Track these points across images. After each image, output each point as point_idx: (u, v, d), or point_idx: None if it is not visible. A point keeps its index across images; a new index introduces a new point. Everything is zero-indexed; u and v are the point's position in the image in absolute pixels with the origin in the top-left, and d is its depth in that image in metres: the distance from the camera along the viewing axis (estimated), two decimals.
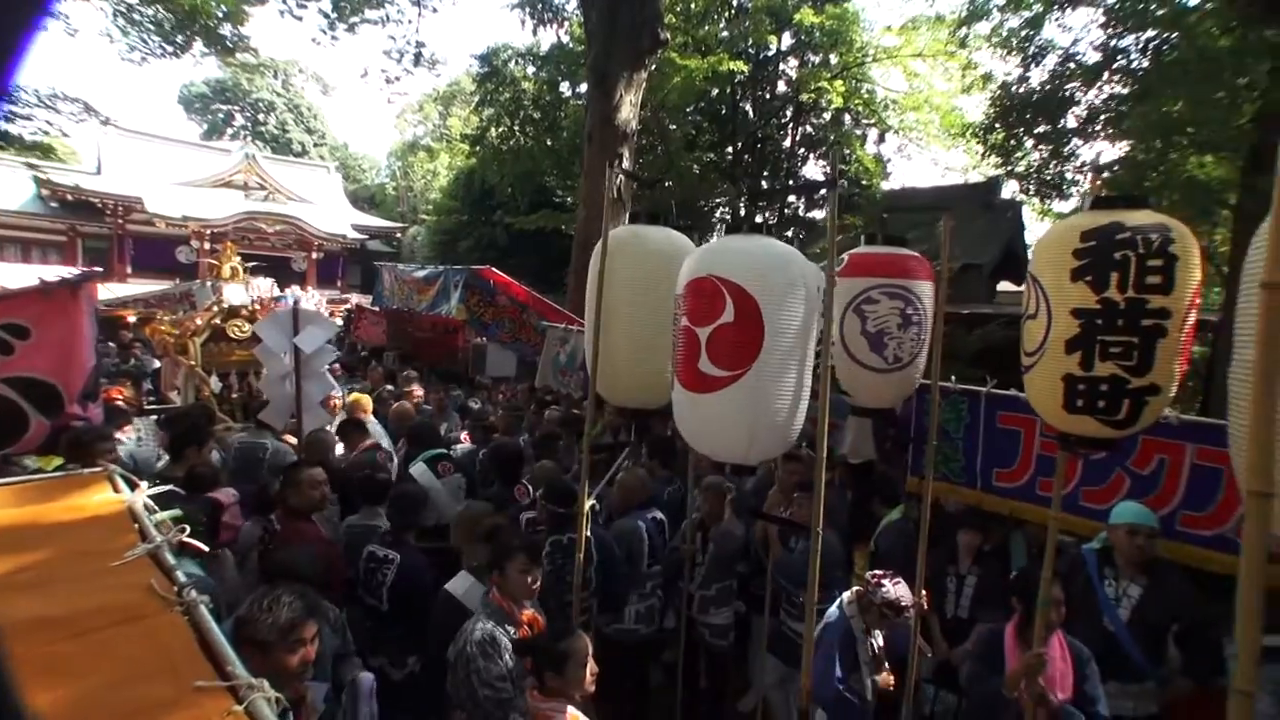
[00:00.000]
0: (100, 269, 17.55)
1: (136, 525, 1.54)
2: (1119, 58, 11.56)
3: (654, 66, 13.76)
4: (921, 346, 2.85)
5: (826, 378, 2.06)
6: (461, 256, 20.67)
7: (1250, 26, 7.36)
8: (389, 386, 6.56)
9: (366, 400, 5.67)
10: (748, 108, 17.27)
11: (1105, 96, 12.16)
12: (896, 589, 2.80)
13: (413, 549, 3.19)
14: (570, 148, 15.37)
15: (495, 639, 2.34)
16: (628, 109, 8.93)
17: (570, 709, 2.13)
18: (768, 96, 17.28)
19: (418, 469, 3.86)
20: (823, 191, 17.12)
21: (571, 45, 15.40)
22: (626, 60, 8.80)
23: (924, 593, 3.00)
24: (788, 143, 17.56)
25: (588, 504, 2.83)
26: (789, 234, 16.25)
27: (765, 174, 17.45)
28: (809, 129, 17.48)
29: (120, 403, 4.72)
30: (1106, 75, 11.80)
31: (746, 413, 2.03)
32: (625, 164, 8.85)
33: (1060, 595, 2.56)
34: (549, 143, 16.74)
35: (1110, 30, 11.34)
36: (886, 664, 2.96)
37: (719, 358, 2.02)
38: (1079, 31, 22.59)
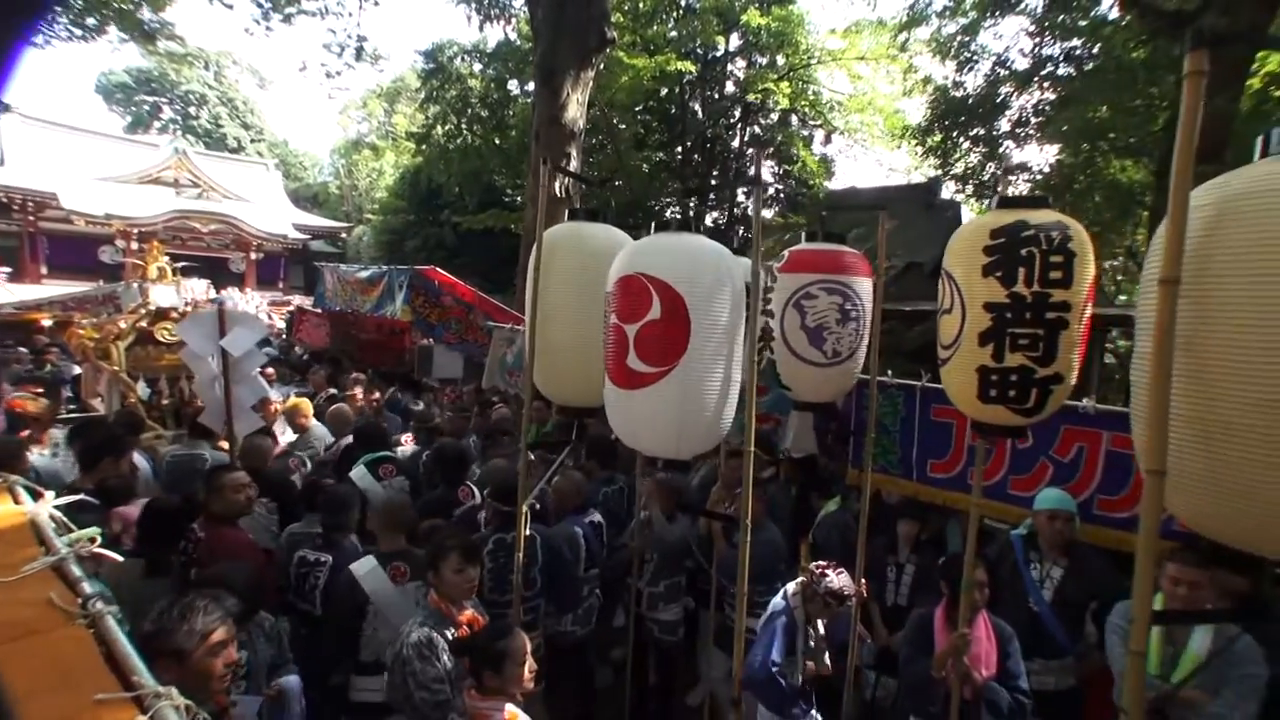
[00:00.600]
0: (7, 269, 16.47)
1: (39, 538, 1.47)
2: (1047, 65, 12.18)
3: (602, 65, 13.77)
4: (860, 341, 2.93)
5: (754, 374, 2.12)
6: (408, 256, 20.25)
7: (1158, 41, 7.84)
8: (331, 390, 6.38)
9: (306, 404, 5.51)
10: (696, 107, 17.45)
11: (1035, 102, 12.80)
12: (840, 579, 2.88)
13: (347, 549, 3.12)
14: (519, 146, 15.24)
15: (432, 641, 2.32)
16: (575, 107, 8.90)
17: (509, 707, 2.12)
18: (716, 97, 17.49)
19: (357, 472, 3.77)
20: (769, 190, 17.45)
21: (519, 43, 15.26)
22: (573, 58, 8.76)
23: (863, 581, 3.09)
24: (736, 142, 17.81)
25: (526, 504, 2.82)
26: (738, 232, 16.48)
27: (715, 173, 17.66)
28: (757, 129, 17.76)
29: (24, 411, 4.44)
30: (1035, 81, 12.43)
31: (674, 408, 2.07)
32: (574, 162, 8.82)
33: (984, 578, 2.68)
34: (497, 141, 16.56)
35: (1038, 39, 11.94)
36: (826, 652, 3.05)
37: (646, 354, 2.05)
38: (1010, 39, 23.63)
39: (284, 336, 12.76)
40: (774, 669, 2.70)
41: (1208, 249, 1.22)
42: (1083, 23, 11.05)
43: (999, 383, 2.06)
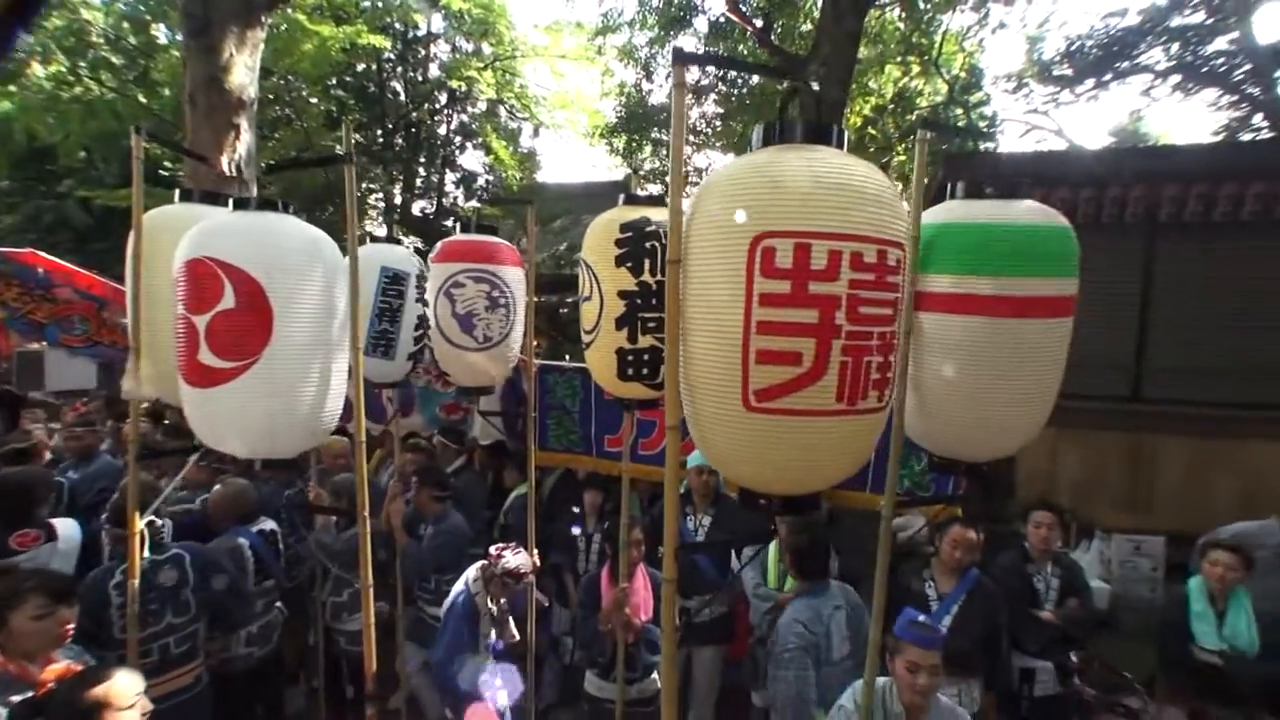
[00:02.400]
0: None
1: None
2: (719, 84, 14.22)
3: (283, 27, 12.09)
4: (511, 327, 3.04)
5: (359, 360, 2.06)
6: (9, 237, 15.37)
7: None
8: None
9: None
10: (398, 88, 16.40)
11: (706, 113, 14.89)
12: (515, 559, 2.99)
13: None
14: (175, 108, 12.57)
15: None
16: (243, 71, 7.61)
17: None
18: (420, 79, 16.65)
19: None
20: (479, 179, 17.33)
21: None
22: (235, 13, 7.45)
23: (535, 552, 3.27)
24: (444, 129, 17.21)
25: (141, 523, 2.39)
26: (446, 224, 16.00)
27: (422, 160, 16.85)
28: (465, 118, 17.38)
29: None
30: (706, 95, 14.43)
31: (262, 404, 1.92)
32: (245, 134, 7.60)
33: (639, 537, 3.03)
34: (143, 99, 13.44)
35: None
36: (510, 619, 3.17)
37: (221, 348, 1.87)
38: None
39: None
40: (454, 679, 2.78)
41: (688, 231, 1.44)
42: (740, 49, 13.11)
43: (634, 362, 2.31)
